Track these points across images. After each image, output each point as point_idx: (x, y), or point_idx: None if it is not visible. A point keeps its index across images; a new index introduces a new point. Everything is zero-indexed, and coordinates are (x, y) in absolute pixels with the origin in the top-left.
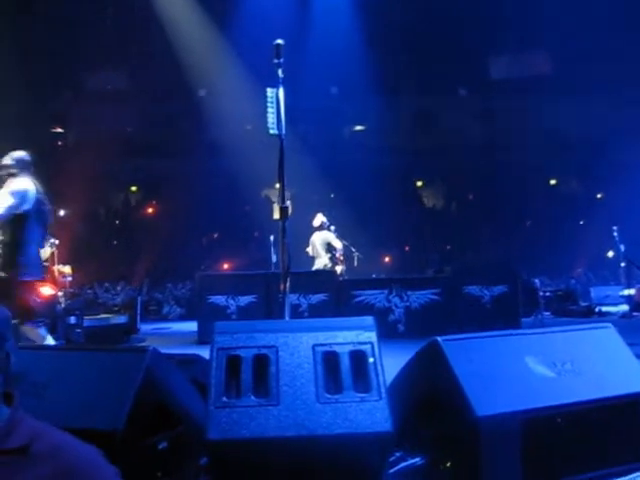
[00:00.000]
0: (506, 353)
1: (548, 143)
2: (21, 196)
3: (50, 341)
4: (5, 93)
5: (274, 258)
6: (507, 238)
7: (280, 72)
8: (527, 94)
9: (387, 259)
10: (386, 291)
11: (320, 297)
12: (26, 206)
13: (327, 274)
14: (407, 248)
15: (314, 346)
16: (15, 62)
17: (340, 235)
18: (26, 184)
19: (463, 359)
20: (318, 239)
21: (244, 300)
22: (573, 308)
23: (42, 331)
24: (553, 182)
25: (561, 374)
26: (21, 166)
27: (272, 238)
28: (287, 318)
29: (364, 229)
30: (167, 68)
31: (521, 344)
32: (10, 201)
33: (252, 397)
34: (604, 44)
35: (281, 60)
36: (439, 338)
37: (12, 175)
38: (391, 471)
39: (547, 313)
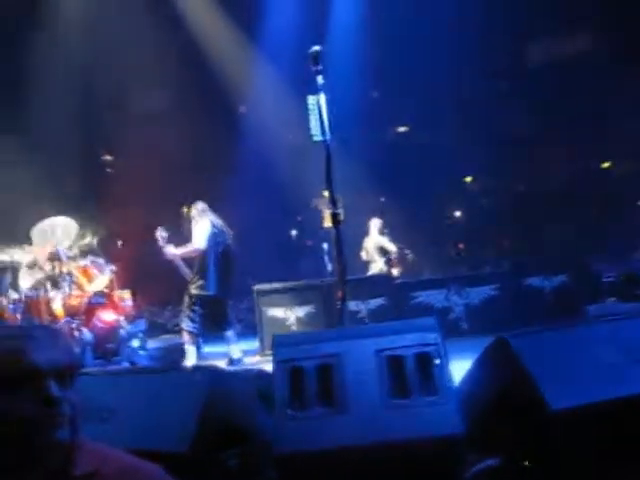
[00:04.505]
0: (576, 345)
1: (596, 125)
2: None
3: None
4: (52, 128)
5: (329, 266)
6: (563, 227)
7: (320, 79)
8: (569, 77)
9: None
10: (445, 290)
11: (378, 302)
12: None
13: (383, 278)
14: (461, 246)
15: (377, 351)
16: (59, 94)
17: (394, 237)
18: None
19: (532, 354)
20: (371, 244)
21: (302, 310)
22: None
23: None
24: (606, 165)
25: (636, 362)
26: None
27: (325, 246)
28: (347, 325)
29: (417, 230)
30: (206, 88)
31: (591, 334)
32: None
33: (318, 408)
34: None
35: (319, 67)
36: (506, 335)
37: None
38: (468, 474)
39: (612, 299)
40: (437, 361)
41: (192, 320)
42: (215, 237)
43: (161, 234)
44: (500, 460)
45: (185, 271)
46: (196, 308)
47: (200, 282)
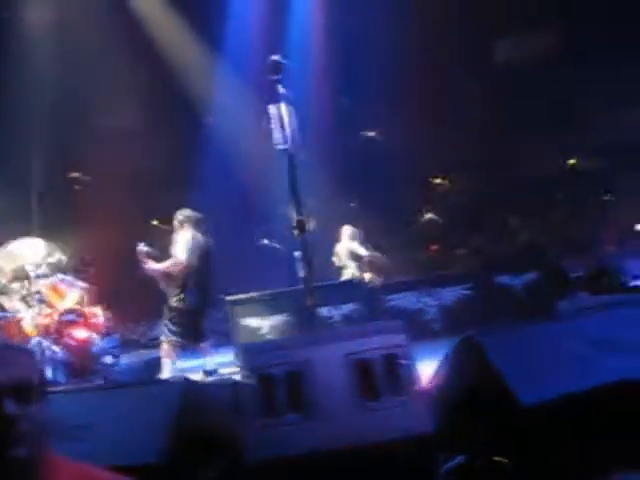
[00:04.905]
0: (544, 340)
1: (562, 122)
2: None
3: None
4: (17, 146)
5: (301, 273)
6: (532, 223)
7: (280, 88)
8: (535, 73)
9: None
10: (417, 292)
11: (351, 307)
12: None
13: (355, 283)
14: (434, 247)
15: (346, 355)
16: (23, 112)
17: (367, 242)
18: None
19: (499, 351)
20: (342, 249)
21: (276, 319)
22: (609, 284)
23: None
24: (572, 161)
25: (602, 354)
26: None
27: (296, 254)
28: (317, 331)
29: (390, 233)
30: (173, 101)
31: (559, 329)
32: None
33: (289, 414)
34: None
35: (279, 76)
36: (472, 333)
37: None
38: (441, 471)
39: (583, 293)
40: (404, 362)
41: (173, 332)
42: (196, 249)
43: (142, 250)
44: (470, 456)
45: (165, 285)
46: (176, 320)
47: (181, 295)
